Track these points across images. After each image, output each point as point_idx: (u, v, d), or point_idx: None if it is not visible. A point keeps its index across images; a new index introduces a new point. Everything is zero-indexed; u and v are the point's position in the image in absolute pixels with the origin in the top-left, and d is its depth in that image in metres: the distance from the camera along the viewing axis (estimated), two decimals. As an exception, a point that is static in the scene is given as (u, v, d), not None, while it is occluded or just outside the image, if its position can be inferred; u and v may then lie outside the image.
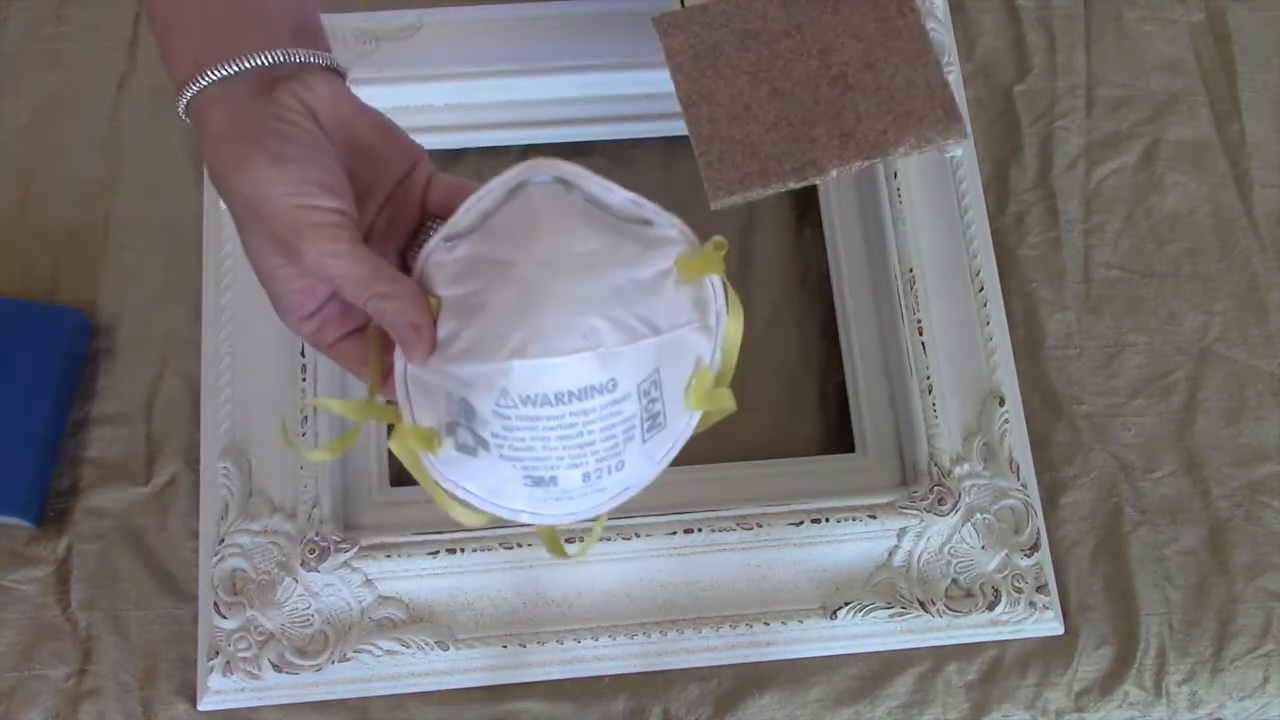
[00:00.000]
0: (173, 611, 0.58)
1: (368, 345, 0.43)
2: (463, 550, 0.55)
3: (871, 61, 0.56)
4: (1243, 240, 0.67)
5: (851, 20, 0.57)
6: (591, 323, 0.38)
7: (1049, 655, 0.58)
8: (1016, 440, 0.60)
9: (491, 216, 0.41)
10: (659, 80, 0.65)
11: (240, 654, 0.55)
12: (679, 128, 0.67)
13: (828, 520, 0.57)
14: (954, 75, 0.66)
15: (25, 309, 0.60)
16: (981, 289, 0.63)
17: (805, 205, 0.67)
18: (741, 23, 0.58)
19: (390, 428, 0.42)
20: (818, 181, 0.56)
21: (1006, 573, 0.58)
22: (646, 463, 0.42)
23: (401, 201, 0.43)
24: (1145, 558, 0.60)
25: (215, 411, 0.59)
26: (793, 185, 0.55)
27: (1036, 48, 0.70)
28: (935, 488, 0.58)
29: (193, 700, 0.56)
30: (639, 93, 0.66)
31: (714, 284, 0.42)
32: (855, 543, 0.58)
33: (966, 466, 0.59)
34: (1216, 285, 0.66)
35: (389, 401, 0.43)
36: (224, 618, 0.56)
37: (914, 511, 0.57)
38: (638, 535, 0.56)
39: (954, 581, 0.58)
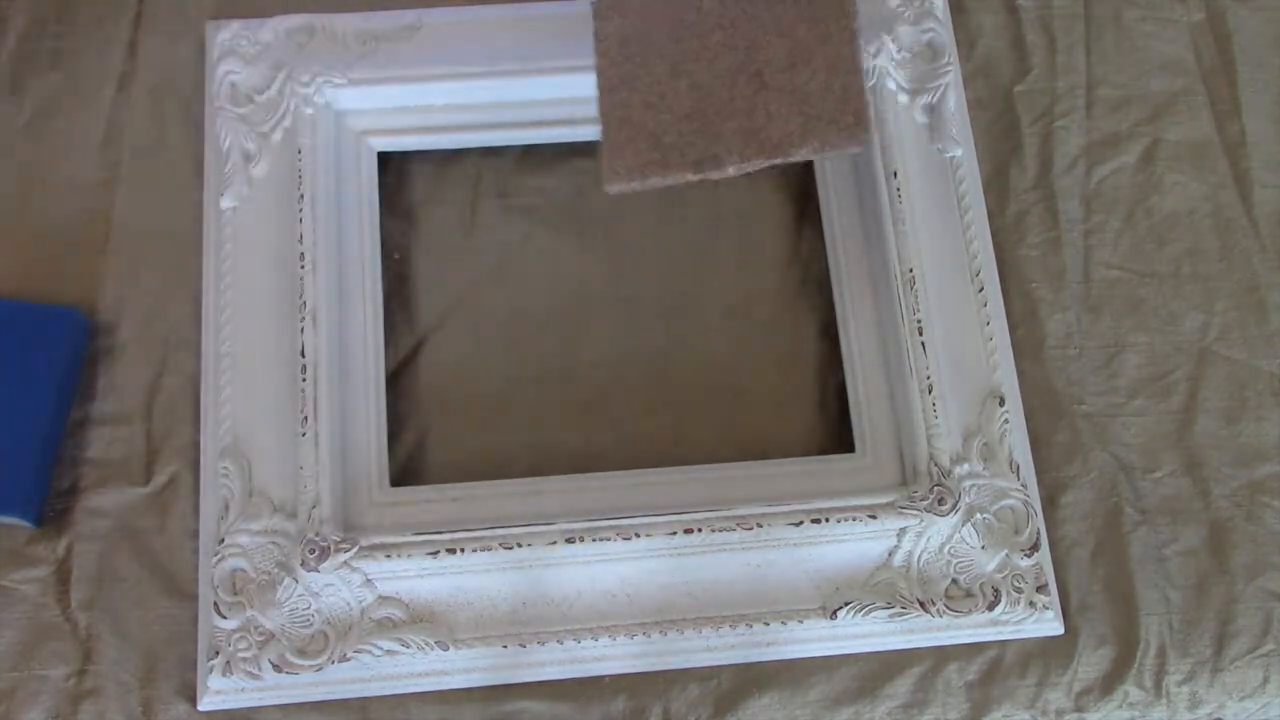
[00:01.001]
0: (173, 611, 0.58)
1: None
2: (463, 550, 0.56)
3: (794, 62, 0.56)
4: (1243, 240, 0.67)
5: (783, 20, 0.57)
6: None
7: (1049, 655, 0.59)
8: (1016, 440, 0.60)
9: None
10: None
11: (240, 654, 0.55)
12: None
13: (828, 520, 0.57)
14: (953, 75, 0.66)
15: (25, 309, 0.60)
16: (981, 289, 0.63)
17: (805, 205, 0.67)
18: (678, 12, 0.58)
19: None
20: (716, 176, 0.56)
21: (1006, 573, 0.58)
22: None
23: None
24: (1145, 558, 0.60)
25: (215, 411, 0.59)
26: (690, 178, 0.56)
27: (1036, 48, 0.70)
28: (935, 488, 0.58)
29: (193, 700, 0.56)
30: (639, 93, 0.66)
31: None
32: (855, 543, 0.58)
33: (966, 466, 0.59)
34: (1216, 285, 0.66)
35: None
36: (224, 618, 0.56)
37: (914, 511, 0.57)
38: (638, 535, 0.56)
39: (954, 581, 0.58)
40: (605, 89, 0.58)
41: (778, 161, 0.56)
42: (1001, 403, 0.60)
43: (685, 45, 0.58)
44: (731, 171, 0.56)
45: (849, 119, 0.55)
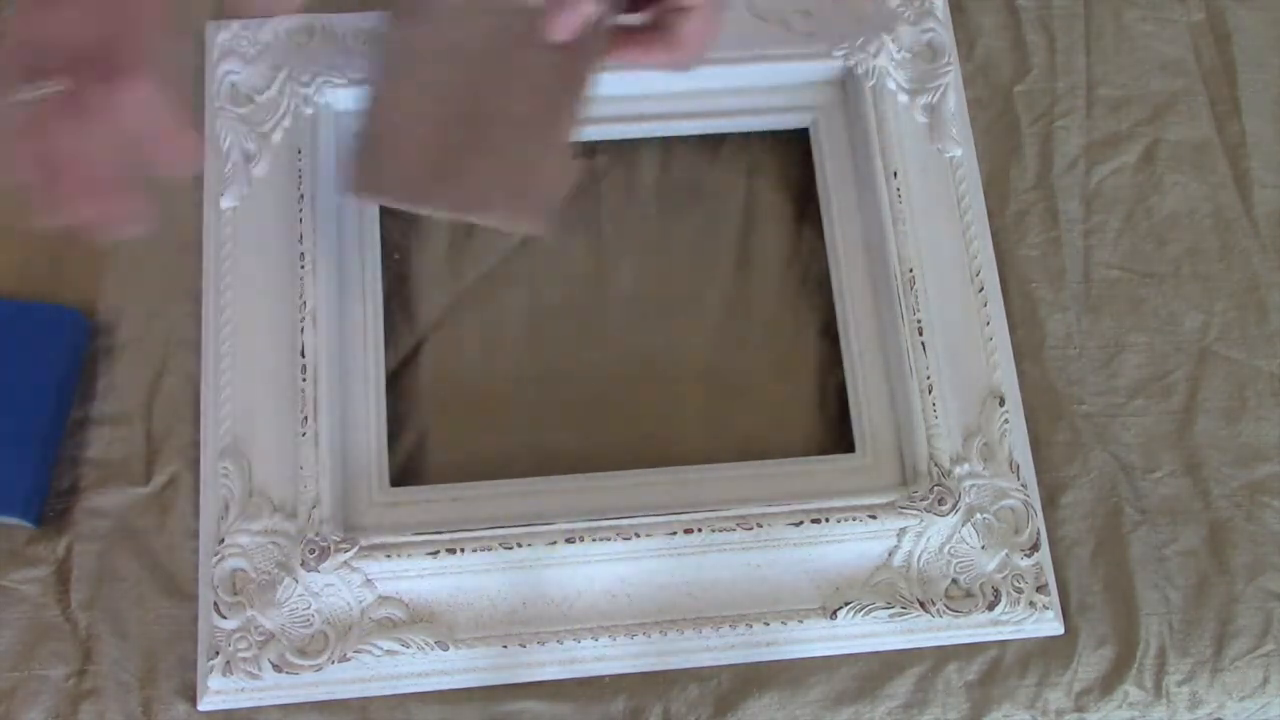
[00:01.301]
0: (173, 611, 0.58)
1: None
2: (463, 550, 0.56)
3: (520, 126, 0.57)
4: (1243, 240, 0.67)
5: (529, 79, 0.57)
6: None
7: (1049, 655, 0.58)
8: (1016, 440, 0.60)
9: None
10: (659, 80, 0.65)
11: (240, 654, 0.55)
12: (679, 128, 0.67)
13: (828, 520, 0.57)
14: (953, 75, 0.66)
15: (25, 309, 0.60)
16: (981, 289, 0.63)
17: (805, 205, 0.67)
18: (467, 40, 0.58)
19: None
20: (423, 213, 0.59)
21: (1006, 573, 0.58)
22: None
23: None
24: (1145, 558, 0.60)
25: (215, 411, 0.59)
26: (405, 208, 0.58)
27: (1036, 48, 0.70)
28: (935, 488, 0.58)
29: (193, 700, 0.56)
30: (639, 93, 0.66)
31: None
32: (855, 543, 0.58)
33: (966, 466, 0.59)
34: (1216, 285, 0.66)
35: None
36: (224, 618, 0.56)
37: (914, 511, 0.57)
38: (638, 535, 0.56)
39: (954, 581, 0.58)
40: (376, 98, 0.58)
41: (474, 221, 0.57)
42: (1001, 403, 0.60)
43: (461, 75, 0.57)
44: (431, 214, 0.57)
45: (528, 209, 0.56)
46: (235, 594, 0.56)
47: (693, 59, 0.57)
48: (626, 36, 0.57)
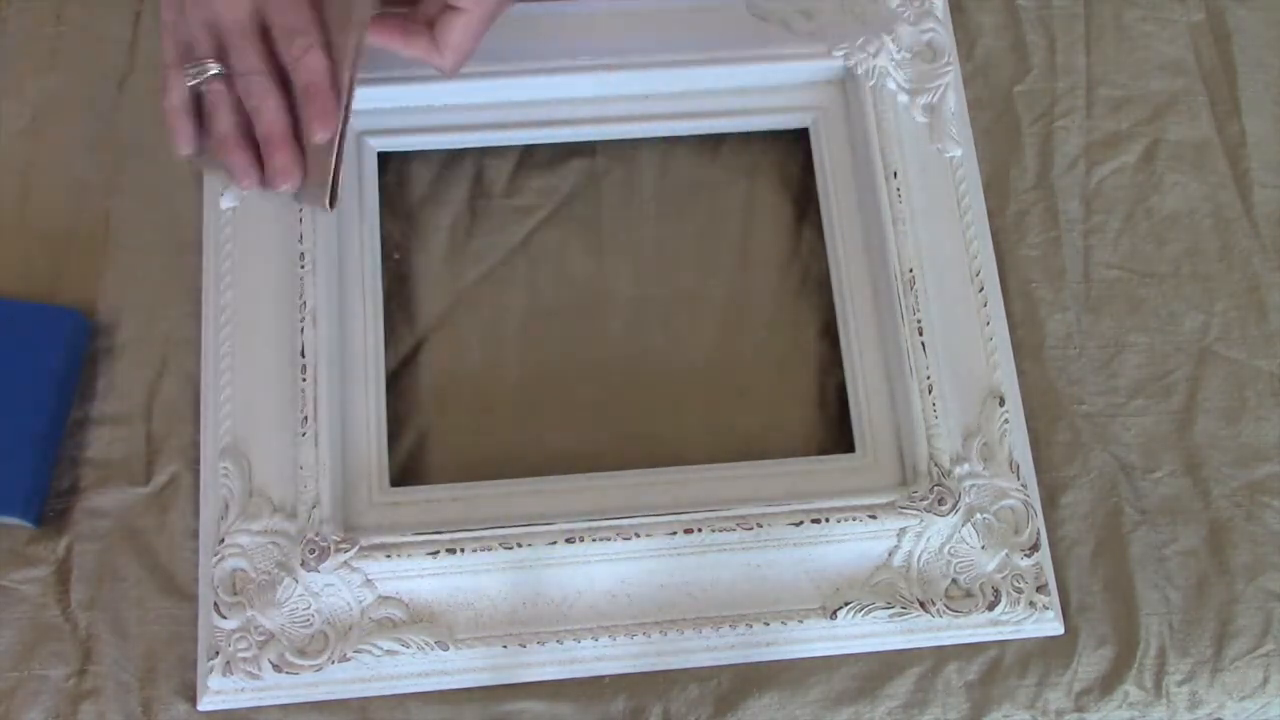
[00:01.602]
0: (173, 611, 0.58)
1: None
2: (463, 550, 0.56)
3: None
4: (1243, 240, 0.67)
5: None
6: None
7: (1049, 655, 0.59)
8: (1016, 440, 0.60)
9: None
10: (659, 80, 0.65)
11: (240, 654, 0.55)
12: (679, 128, 0.67)
13: (828, 520, 0.57)
14: (953, 75, 0.66)
15: (25, 309, 0.60)
16: (981, 289, 0.63)
17: (805, 205, 0.67)
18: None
19: None
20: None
21: (1006, 573, 0.58)
22: None
23: None
24: (1145, 558, 0.60)
25: (215, 411, 0.59)
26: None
27: (1036, 48, 0.70)
28: (935, 488, 0.58)
29: (193, 700, 0.56)
30: (639, 93, 0.66)
31: None
32: (855, 543, 0.58)
33: (966, 466, 0.59)
34: (1216, 285, 0.66)
35: None
36: (224, 618, 0.56)
37: (914, 511, 0.57)
38: (638, 535, 0.56)
39: (954, 581, 0.58)
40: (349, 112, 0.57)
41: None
42: (1001, 403, 0.60)
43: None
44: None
45: (317, 179, 0.56)
46: (235, 594, 0.56)
47: (453, 66, 0.57)
48: (393, 20, 0.57)
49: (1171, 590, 0.60)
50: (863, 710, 0.57)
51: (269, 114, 0.54)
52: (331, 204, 0.56)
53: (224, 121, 0.55)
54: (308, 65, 0.53)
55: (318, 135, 0.54)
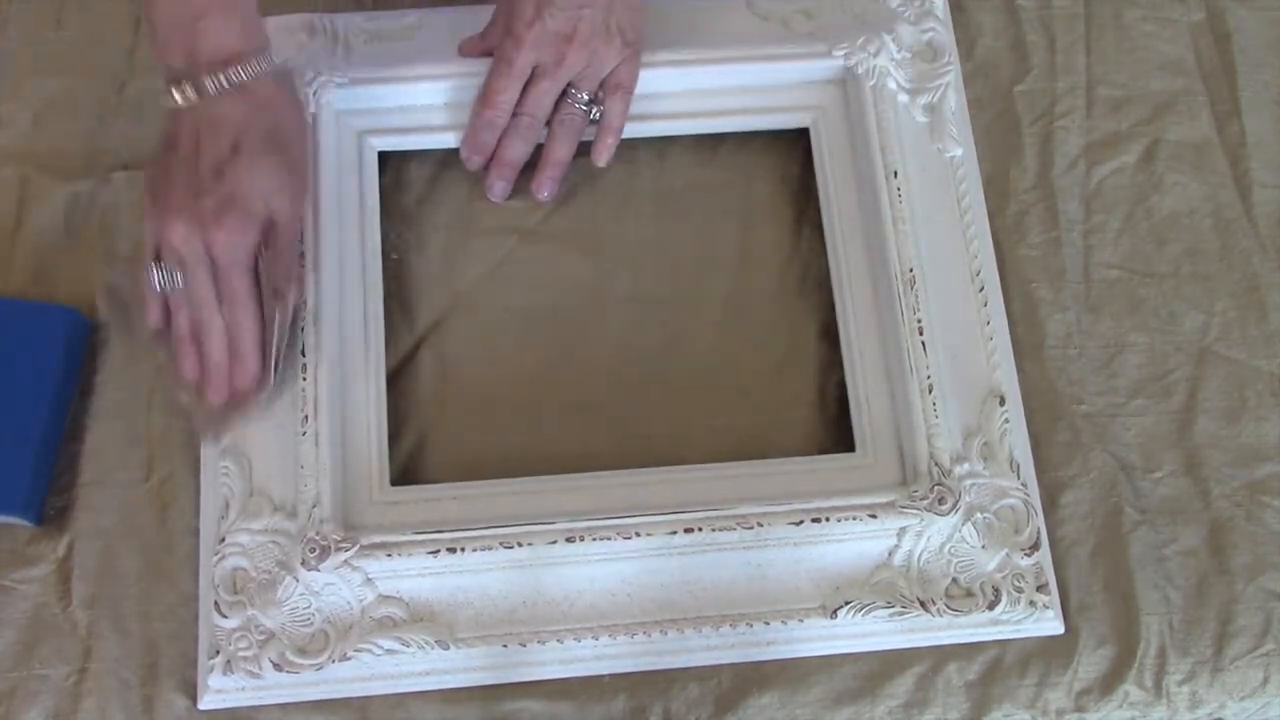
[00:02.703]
0: (173, 610, 0.58)
1: None
2: (463, 550, 0.56)
3: None
4: (1243, 240, 0.67)
5: None
6: None
7: (1049, 655, 0.58)
8: (1016, 440, 0.60)
9: None
10: (658, 80, 0.65)
11: (241, 653, 0.55)
12: (679, 127, 0.67)
13: (828, 520, 0.57)
14: (953, 75, 0.66)
15: (25, 309, 0.60)
16: (981, 289, 0.63)
17: (805, 205, 0.67)
18: None
19: None
20: None
21: (1007, 572, 0.58)
22: None
23: None
24: (1145, 558, 0.60)
25: (215, 411, 0.59)
26: None
27: (1036, 48, 0.70)
28: (935, 487, 0.58)
29: (193, 699, 0.56)
30: (638, 92, 0.66)
31: None
32: (855, 542, 0.58)
33: (966, 466, 0.59)
34: (1216, 285, 0.66)
35: None
36: (224, 617, 0.56)
37: (914, 511, 0.57)
38: (638, 535, 0.56)
39: (954, 581, 0.58)
40: None
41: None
42: (1001, 402, 0.60)
43: None
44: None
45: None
46: (236, 593, 0.56)
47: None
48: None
49: (1172, 590, 0.60)
50: (863, 710, 0.57)
51: (213, 346, 0.56)
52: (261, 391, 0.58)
53: (181, 325, 0.57)
54: (235, 322, 0.56)
55: (239, 383, 0.57)
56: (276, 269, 0.56)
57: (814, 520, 0.57)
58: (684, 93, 0.66)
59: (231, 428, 0.58)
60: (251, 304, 0.56)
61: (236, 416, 0.58)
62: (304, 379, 0.58)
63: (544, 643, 0.56)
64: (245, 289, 0.55)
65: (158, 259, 0.56)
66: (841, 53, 0.65)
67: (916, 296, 0.61)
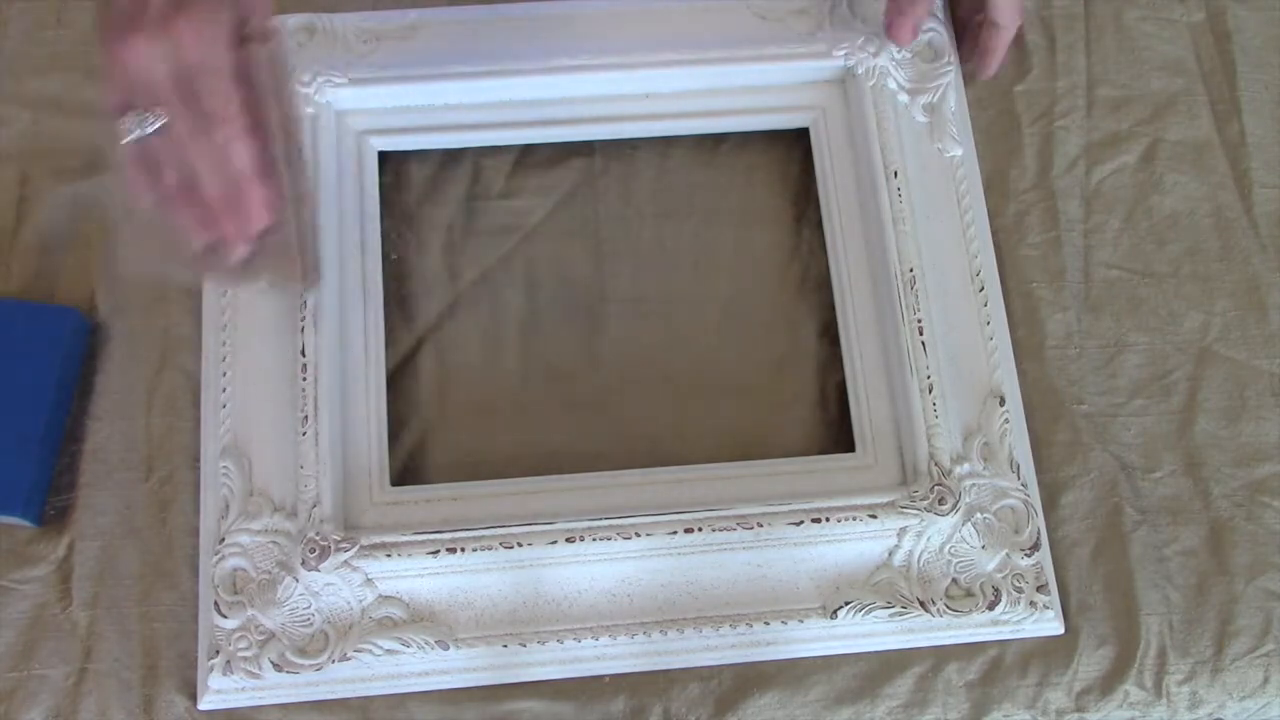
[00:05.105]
0: (173, 610, 0.58)
1: None
2: (463, 550, 0.56)
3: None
4: (1243, 240, 0.67)
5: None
6: None
7: (1049, 655, 0.59)
8: (1016, 440, 0.60)
9: None
10: (659, 80, 0.65)
11: (241, 653, 0.55)
12: (679, 127, 0.67)
13: (828, 520, 0.57)
14: (953, 75, 0.66)
15: (25, 309, 0.60)
16: (981, 289, 0.63)
17: (805, 205, 0.67)
18: None
19: None
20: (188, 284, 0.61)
21: (1006, 572, 0.58)
22: None
23: None
24: (1145, 558, 0.60)
25: (215, 411, 0.59)
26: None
27: (1036, 48, 0.70)
28: (935, 487, 0.58)
29: (193, 699, 0.56)
30: (639, 92, 0.66)
31: None
32: (855, 542, 0.58)
33: (967, 466, 0.59)
34: (1216, 285, 0.66)
35: None
36: (224, 617, 0.56)
37: (914, 511, 0.57)
38: (638, 535, 0.56)
39: (954, 581, 0.58)
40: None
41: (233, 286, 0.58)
42: (1001, 402, 0.60)
43: None
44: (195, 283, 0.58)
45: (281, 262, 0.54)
46: (236, 593, 0.56)
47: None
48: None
49: (1172, 590, 0.60)
50: (863, 710, 0.57)
51: (209, 180, 0.48)
52: (309, 281, 0.55)
53: (169, 179, 0.49)
54: (234, 153, 0.48)
55: (250, 217, 0.50)
56: (269, 77, 0.48)
57: (814, 520, 0.57)
58: (684, 93, 0.66)
59: (260, 278, 0.53)
60: (246, 118, 0.47)
61: (266, 267, 0.51)
62: (304, 379, 0.58)
63: (544, 643, 0.56)
64: (235, 102, 0.47)
65: (125, 109, 0.47)
66: (841, 53, 0.65)
67: (916, 296, 0.61)
